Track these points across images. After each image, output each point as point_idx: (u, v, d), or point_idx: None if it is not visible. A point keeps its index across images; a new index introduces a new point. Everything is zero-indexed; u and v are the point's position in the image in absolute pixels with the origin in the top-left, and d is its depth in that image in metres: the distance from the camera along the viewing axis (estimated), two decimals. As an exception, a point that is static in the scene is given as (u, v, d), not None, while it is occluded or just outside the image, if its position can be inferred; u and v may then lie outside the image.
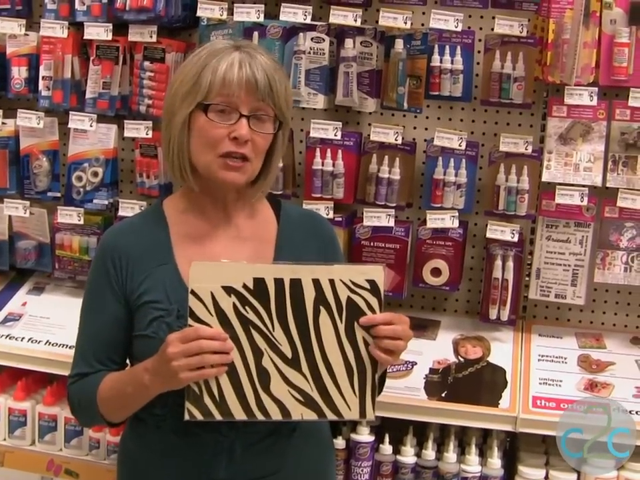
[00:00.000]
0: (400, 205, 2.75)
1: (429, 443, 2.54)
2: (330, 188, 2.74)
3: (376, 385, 1.85)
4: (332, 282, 1.81)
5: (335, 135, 2.70)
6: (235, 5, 2.72)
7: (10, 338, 2.82)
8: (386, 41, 2.69)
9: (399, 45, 2.65)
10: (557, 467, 2.47)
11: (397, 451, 2.56)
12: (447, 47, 2.65)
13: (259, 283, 1.79)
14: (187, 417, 1.79)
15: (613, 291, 2.86)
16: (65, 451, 2.78)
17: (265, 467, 1.95)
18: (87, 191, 2.93)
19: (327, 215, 2.70)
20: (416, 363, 2.63)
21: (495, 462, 2.49)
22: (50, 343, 2.79)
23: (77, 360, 2.01)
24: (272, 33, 2.70)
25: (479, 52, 2.70)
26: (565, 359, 2.68)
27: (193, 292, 1.78)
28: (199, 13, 2.75)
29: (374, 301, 1.82)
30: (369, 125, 2.75)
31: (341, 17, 2.64)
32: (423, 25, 2.71)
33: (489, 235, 2.69)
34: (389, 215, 2.72)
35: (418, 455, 2.56)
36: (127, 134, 2.87)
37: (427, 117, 2.85)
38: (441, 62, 2.65)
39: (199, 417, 1.79)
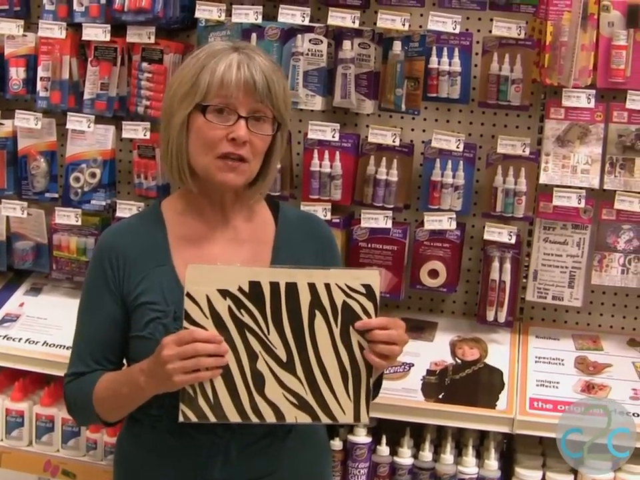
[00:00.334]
0: (397, 206, 2.75)
1: (426, 445, 2.54)
2: (328, 189, 2.74)
3: (370, 389, 1.85)
4: (328, 286, 1.81)
5: (333, 137, 2.71)
6: (233, 6, 2.72)
7: (7, 339, 2.81)
8: (384, 43, 2.69)
9: (397, 46, 2.65)
10: (554, 469, 2.47)
11: (394, 453, 2.56)
12: (445, 48, 2.65)
13: (255, 286, 1.79)
14: (181, 418, 1.80)
15: (610, 293, 2.87)
16: (62, 451, 2.78)
17: (260, 468, 1.95)
18: (84, 192, 2.93)
19: (325, 216, 2.70)
20: (413, 365, 2.64)
21: (492, 463, 2.49)
22: (47, 343, 2.78)
23: (74, 359, 2.01)
24: (270, 35, 2.70)
25: (476, 54, 2.70)
26: (562, 360, 2.68)
27: (188, 295, 1.78)
28: (197, 14, 2.75)
29: (369, 306, 1.82)
30: (367, 126, 2.75)
31: (339, 18, 2.64)
32: (420, 26, 2.72)
33: (486, 236, 2.69)
34: (387, 217, 2.73)
35: (415, 456, 2.56)
36: (124, 135, 2.87)
37: (425, 119, 2.85)
38: (438, 64, 2.65)
39: (194, 419, 1.80)
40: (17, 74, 2.93)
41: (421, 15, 2.73)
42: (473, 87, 2.72)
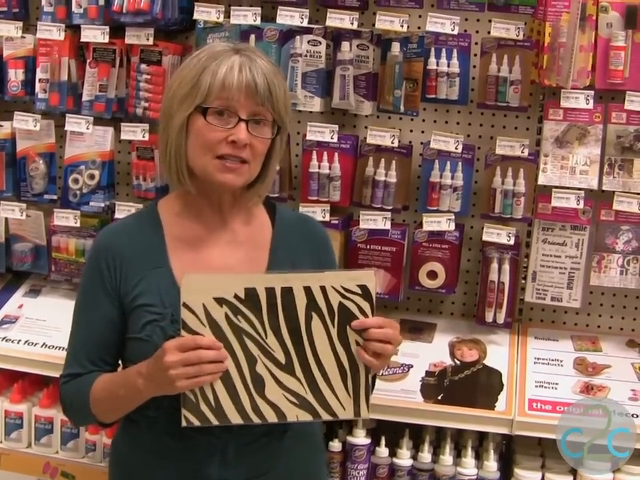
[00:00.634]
0: (396, 207, 2.75)
1: (425, 446, 2.54)
2: (326, 191, 2.74)
3: (369, 384, 1.87)
4: (323, 288, 1.82)
5: (332, 138, 2.71)
6: (232, 7, 2.72)
7: (6, 340, 2.82)
8: (382, 44, 2.69)
9: (396, 48, 2.65)
10: (553, 470, 2.48)
11: (393, 454, 2.57)
12: (444, 50, 2.65)
13: (251, 292, 1.80)
14: (184, 423, 1.80)
15: (608, 294, 2.87)
16: (61, 453, 2.78)
17: (257, 468, 1.95)
18: (83, 194, 2.93)
19: (324, 217, 2.70)
20: (412, 366, 2.64)
21: (491, 464, 2.49)
22: (46, 345, 2.79)
23: (69, 360, 2.01)
24: (269, 36, 2.70)
25: (475, 55, 2.70)
26: (561, 361, 2.68)
27: (185, 304, 1.78)
28: (196, 16, 2.75)
29: (366, 305, 1.83)
30: (366, 127, 2.75)
31: (338, 20, 2.64)
32: (419, 28, 2.72)
33: (485, 237, 2.69)
34: (385, 218, 2.73)
35: (414, 457, 2.56)
36: (123, 136, 2.87)
37: (424, 120, 2.85)
38: (437, 65, 2.65)
39: (196, 422, 1.81)
40: (15, 76, 2.93)
41: (420, 16, 2.73)
42: (471, 88, 2.72)
